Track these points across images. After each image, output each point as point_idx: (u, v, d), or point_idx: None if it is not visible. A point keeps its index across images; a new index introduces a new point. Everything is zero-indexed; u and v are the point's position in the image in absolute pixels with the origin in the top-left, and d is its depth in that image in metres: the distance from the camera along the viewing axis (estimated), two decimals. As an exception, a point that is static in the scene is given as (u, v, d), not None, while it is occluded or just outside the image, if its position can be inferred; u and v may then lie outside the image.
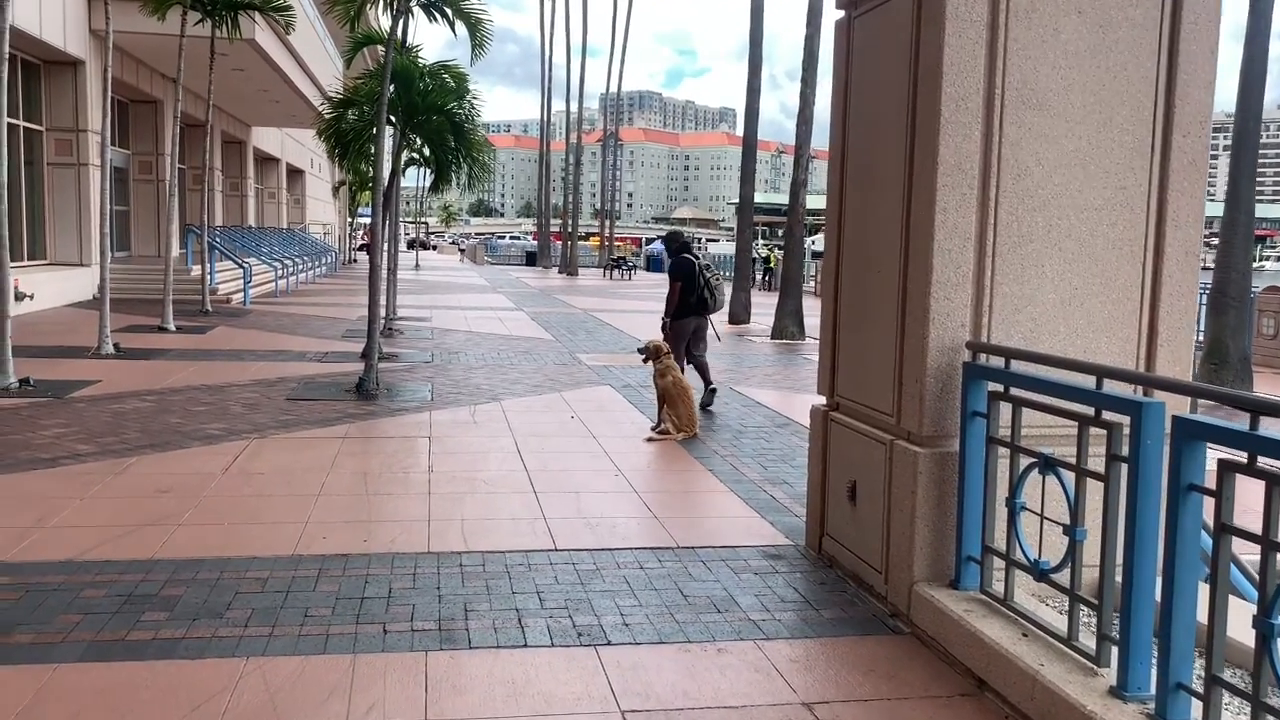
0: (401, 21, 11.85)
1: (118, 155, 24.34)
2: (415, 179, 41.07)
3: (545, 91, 51.28)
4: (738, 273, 20.48)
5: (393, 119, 12.41)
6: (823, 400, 5.43)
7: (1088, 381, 3.60)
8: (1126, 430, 3.32)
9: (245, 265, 21.36)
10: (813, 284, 33.43)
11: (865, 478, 4.77)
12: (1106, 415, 3.47)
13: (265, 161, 40.65)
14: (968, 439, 4.13)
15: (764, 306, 21.11)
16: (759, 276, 37.49)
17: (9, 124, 18.54)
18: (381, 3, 11.32)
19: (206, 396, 9.65)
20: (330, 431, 8.23)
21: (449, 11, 12.22)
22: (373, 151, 10.73)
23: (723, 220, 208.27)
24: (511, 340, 15.83)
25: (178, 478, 6.55)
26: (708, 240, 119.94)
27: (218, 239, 26.49)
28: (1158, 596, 3.21)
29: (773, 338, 17.07)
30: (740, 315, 19.81)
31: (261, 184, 41.00)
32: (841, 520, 5.05)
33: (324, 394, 10.03)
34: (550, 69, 51.38)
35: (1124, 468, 3.31)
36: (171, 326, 15.36)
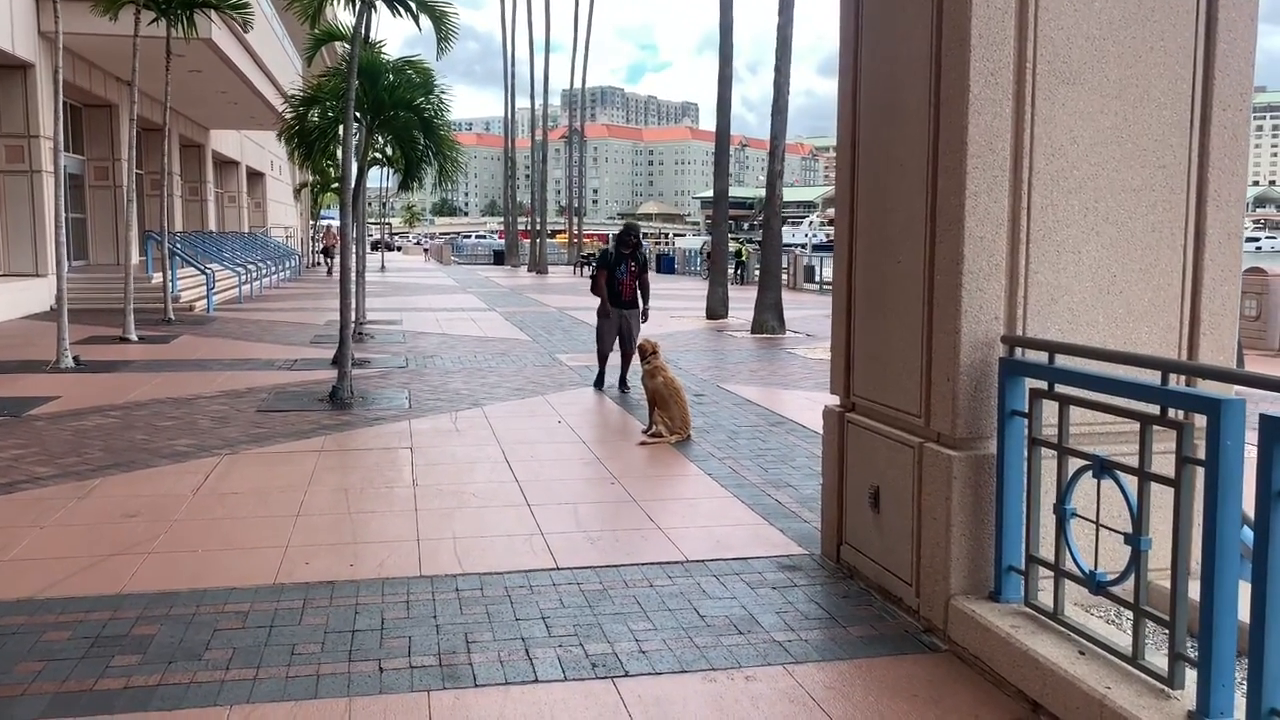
0: (364, 16, 11.43)
1: (72, 161, 23.64)
2: (379, 179, 40.50)
3: (509, 88, 50.71)
4: (714, 267, 20.16)
5: (359, 116, 11.97)
6: (836, 400, 5.11)
7: (1146, 376, 3.31)
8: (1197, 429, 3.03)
9: (208, 271, 20.80)
10: (785, 276, 33.36)
11: (890, 483, 4.46)
12: (1172, 413, 3.18)
13: (225, 165, 39.88)
14: (1006, 440, 3.83)
15: (739, 301, 20.80)
16: (729, 270, 37.38)
17: (-44, 130, 17.95)
18: (343, -3, 10.90)
19: (173, 410, 9.20)
20: (306, 444, 7.82)
21: (413, 4, 11.80)
22: (339, 151, 10.30)
23: (688, 215, 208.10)
24: (487, 342, 15.43)
25: (146, 500, 6.13)
26: (674, 235, 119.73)
27: (179, 245, 25.87)
28: (1241, 613, 2.93)
29: (753, 332, 16.78)
30: (718, 310, 19.50)
31: (221, 188, 40.22)
32: (863, 528, 4.74)
33: (296, 404, 9.61)
34: (513, 65, 50.84)
35: (1197, 471, 3.01)
36: (133, 336, 14.83)
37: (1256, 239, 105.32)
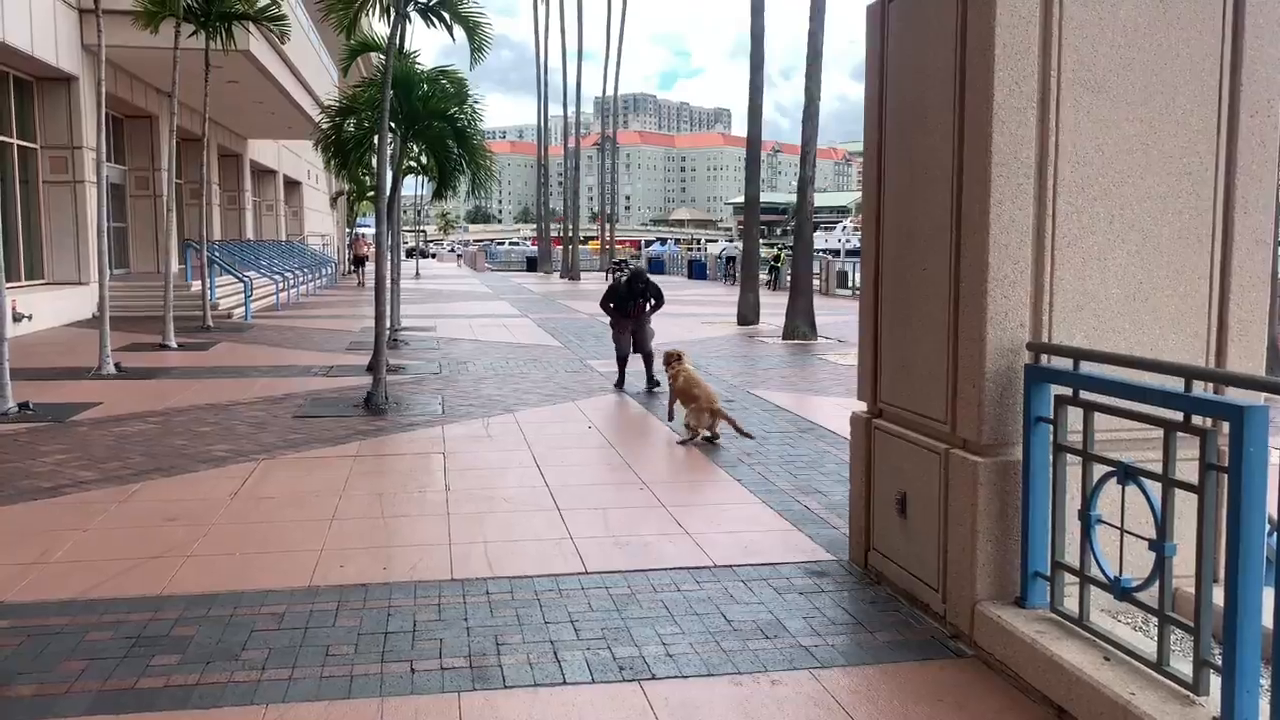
0: (399, 27, 11.59)
1: (114, 171, 24.09)
2: (414, 187, 40.83)
3: (542, 95, 51.03)
4: (745, 273, 20.16)
5: (393, 126, 12.13)
6: (863, 407, 5.14)
7: (1168, 383, 3.32)
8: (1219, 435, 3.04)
9: (246, 279, 21.10)
10: (816, 282, 33.26)
11: (917, 489, 4.48)
12: (1196, 420, 3.18)
13: (262, 174, 40.43)
14: (1032, 447, 3.85)
15: (771, 307, 20.79)
16: (764, 276, 37.33)
17: (2, 142, 18.38)
18: (378, 8, 11.05)
19: (211, 416, 9.37)
20: (341, 450, 7.95)
21: (447, 16, 11.94)
22: (374, 160, 10.45)
23: (720, 220, 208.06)
24: (519, 348, 15.56)
25: (185, 504, 6.26)
26: (706, 241, 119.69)
27: (217, 253, 26.26)
28: (1266, 619, 2.93)
29: (784, 338, 16.78)
30: (749, 316, 19.51)
31: (259, 196, 40.77)
32: (890, 534, 4.76)
33: (332, 410, 9.75)
34: (546, 73, 51.18)
35: (1221, 477, 3.02)
36: (173, 344, 15.09)
37: None
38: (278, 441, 8.24)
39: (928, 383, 4.41)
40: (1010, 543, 4.01)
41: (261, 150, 37.32)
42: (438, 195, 14.71)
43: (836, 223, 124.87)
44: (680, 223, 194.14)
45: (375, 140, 10.50)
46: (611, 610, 4.50)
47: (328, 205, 52.87)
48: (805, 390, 11.53)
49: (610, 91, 51.27)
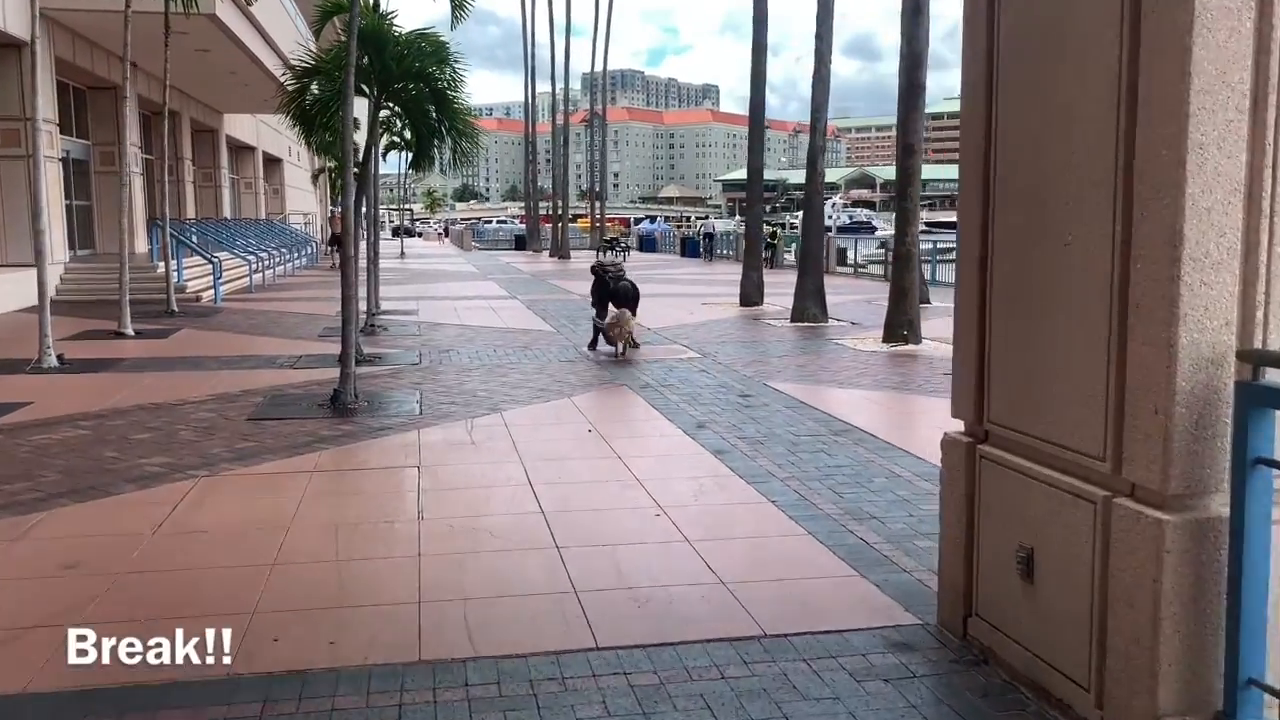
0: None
1: (76, 146, 22.68)
2: (398, 164, 39.38)
3: (529, 69, 49.57)
4: (748, 251, 18.91)
5: (364, 88, 10.83)
6: (960, 426, 3.92)
7: None
8: None
9: (215, 260, 19.76)
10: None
11: (1053, 546, 3.29)
12: None
13: (240, 150, 38.95)
14: (1247, 500, 2.66)
15: (771, 286, 19.46)
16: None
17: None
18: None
19: (154, 419, 8.12)
20: (297, 463, 6.71)
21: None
22: (347, 125, 9.18)
23: (709, 198, 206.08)
24: (508, 334, 14.31)
25: (93, 543, 5.04)
26: (696, 218, 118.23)
27: (193, 233, 24.88)
28: None
29: (793, 321, 15.53)
30: (753, 296, 18.26)
31: (237, 174, 39.30)
32: (1005, 600, 3.57)
33: (293, 410, 8.51)
34: (534, 47, 49.65)
35: None
36: (130, 331, 13.82)
37: None
38: (224, 452, 7.00)
39: (1071, 401, 3.20)
40: (1208, 635, 2.82)
41: (239, 125, 35.82)
42: (415, 166, 13.42)
43: (827, 199, 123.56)
44: (669, 200, 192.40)
45: (342, 100, 9.19)
46: (635, 713, 3.30)
47: (309, 183, 51.35)
48: (828, 382, 10.31)
49: (599, 67, 49.83)
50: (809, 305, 15.49)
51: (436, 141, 11.62)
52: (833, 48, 15.72)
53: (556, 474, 6.43)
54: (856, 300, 19.32)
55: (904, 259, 12.68)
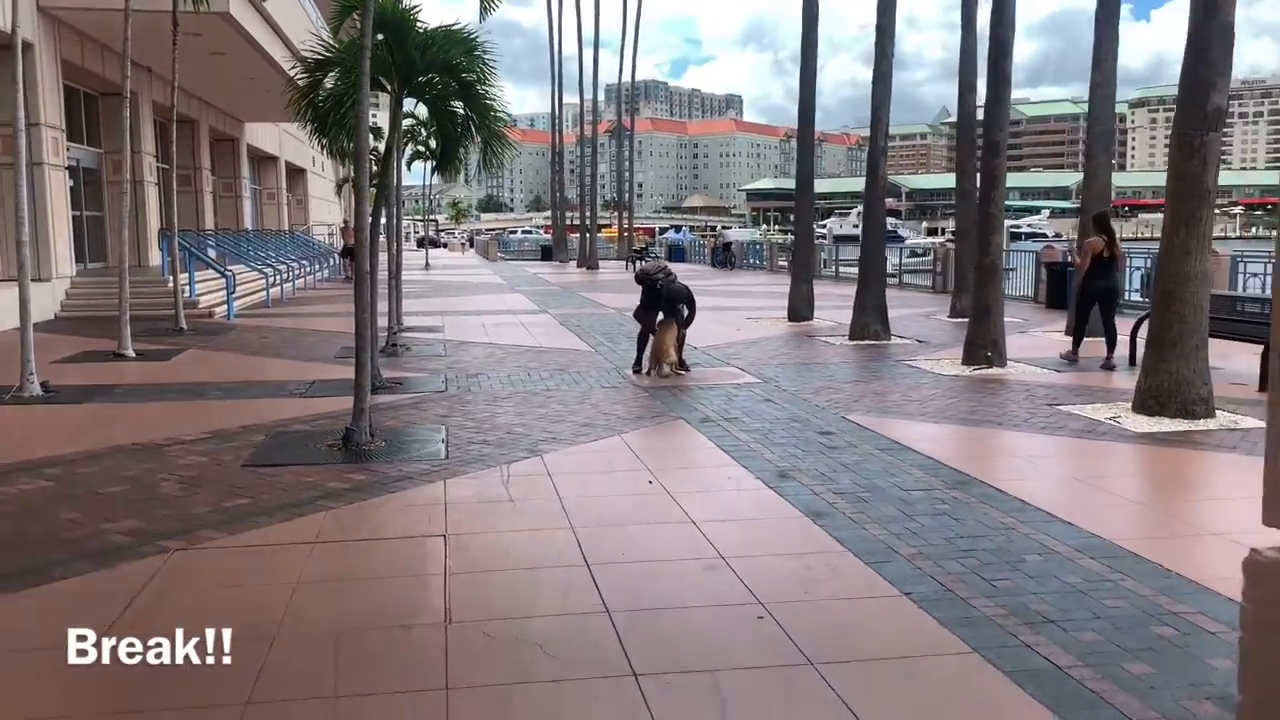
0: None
1: (87, 155, 21.68)
2: (423, 175, 38.20)
3: (555, 75, 48.46)
4: (798, 263, 17.53)
5: (384, 82, 9.59)
6: (1277, 541, 2.55)
7: None
8: None
9: (228, 274, 18.61)
10: (854, 271, 30.46)
11: None
12: None
13: (263, 160, 38.02)
14: None
15: (818, 299, 18.01)
16: (780, 262, 36.00)
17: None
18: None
19: (133, 465, 6.87)
20: (295, 529, 5.42)
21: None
22: (361, 121, 7.92)
23: (734, 207, 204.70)
24: (541, 354, 13.02)
25: None
26: (721, 228, 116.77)
27: (210, 245, 23.81)
28: None
29: (852, 338, 14.11)
30: (802, 310, 16.86)
31: (260, 184, 38.35)
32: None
33: (297, 454, 7.23)
34: (560, 59, 48.52)
35: None
36: (130, 352, 12.65)
37: None
38: (209, 513, 5.72)
39: None
40: None
41: (261, 134, 34.85)
42: (440, 169, 12.15)
43: (851, 208, 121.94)
44: (693, 210, 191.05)
45: (357, 93, 7.93)
46: None
47: (334, 194, 50.42)
48: (915, 414, 8.89)
49: (625, 78, 48.65)
50: (870, 321, 14.10)
51: (465, 142, 10.34)
52: (894, 41, 14.34)
53: (618, 547, 5.10)
54: (913, 315, 17.91)
55: (988, 273, 11.25)
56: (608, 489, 6.32)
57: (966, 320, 16.98)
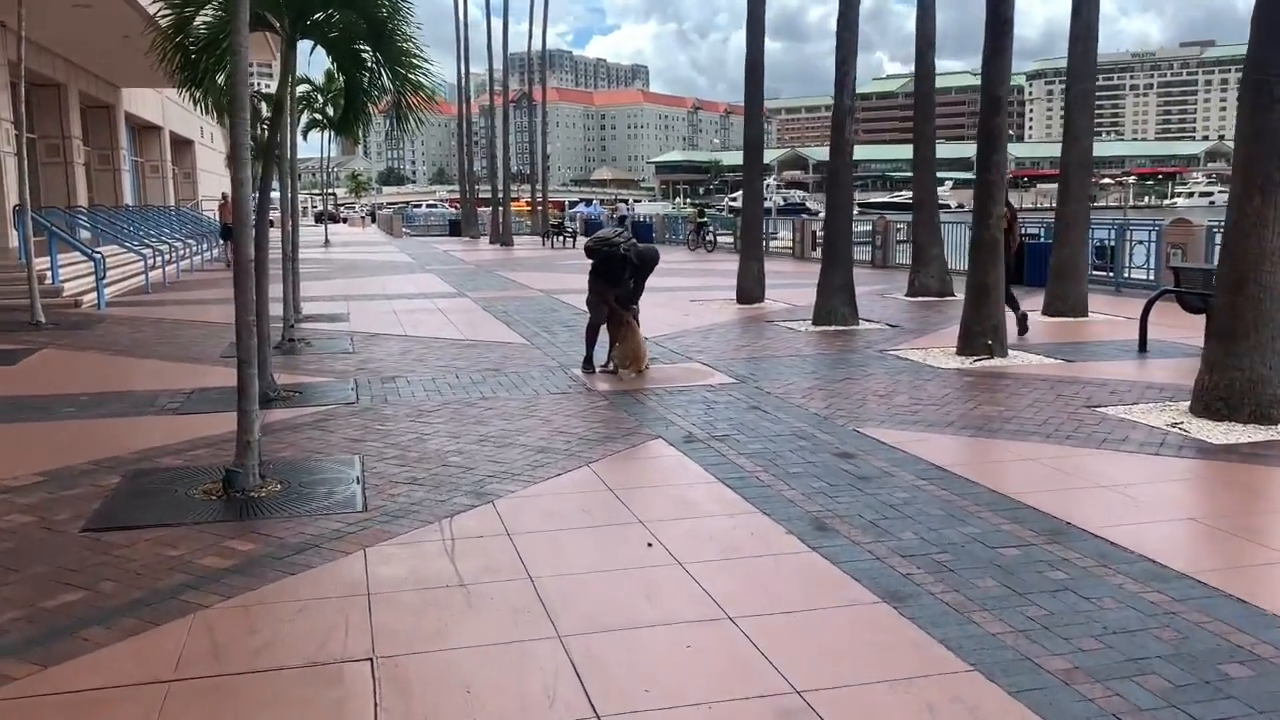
0: None
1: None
2: (321, 147, 35.53)
3: (461, 38, 46.00)
4: (747, 240, 15.90)
5: (272, 19, 7.64)
6: None
7: None
8: None
9: (97, 256, 16.23)
10: (792, 245, 28.98)
11: None
12: None
13: (144, 130, 34.93)
14: None
15: (728, 275, 16.38)
16: (691, 236, 34.26)
17: None
18: None
19: (-77, 533, 4.92)
20: (142, 656, 3.59)
21: None
22: (239, 64, 5.99)
23: (643, 180, 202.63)
24: (468, 349, 11.18)
25: None
26: (634, 201, 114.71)
27: (82, 222, 21.21)
28: None
29: (817, 324, 12.56)
30: (753, 291, 15.23)
31: (141, 156, 35.25)
32: None
33: (159, 509, 5.35)
34: (466, 23, 46.02)
35: None
36: (-33, 355, 10.45)
37: (1210, 194, 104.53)
38: (17, 620, 3.87)
39: None
40: None
41: (141, 102, 31.82)
42: (343, 129, 10.16)
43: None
44: (603, 182, 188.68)
45: (236, 40, 5.98)
46: None
47: (224, 166, 47.15)
48: (941, 425, 7.30)
49: (537, 44, 46.54)
50: (837, 305, 12.60)
51: (374, 93, 8.44)
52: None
53: (636, 676, 3.41)
54: (865, 293, 16.31)
55: (988, 248, 9.75)
56: (594, 558, 4.61)
57: (929, 299, 15.87)
